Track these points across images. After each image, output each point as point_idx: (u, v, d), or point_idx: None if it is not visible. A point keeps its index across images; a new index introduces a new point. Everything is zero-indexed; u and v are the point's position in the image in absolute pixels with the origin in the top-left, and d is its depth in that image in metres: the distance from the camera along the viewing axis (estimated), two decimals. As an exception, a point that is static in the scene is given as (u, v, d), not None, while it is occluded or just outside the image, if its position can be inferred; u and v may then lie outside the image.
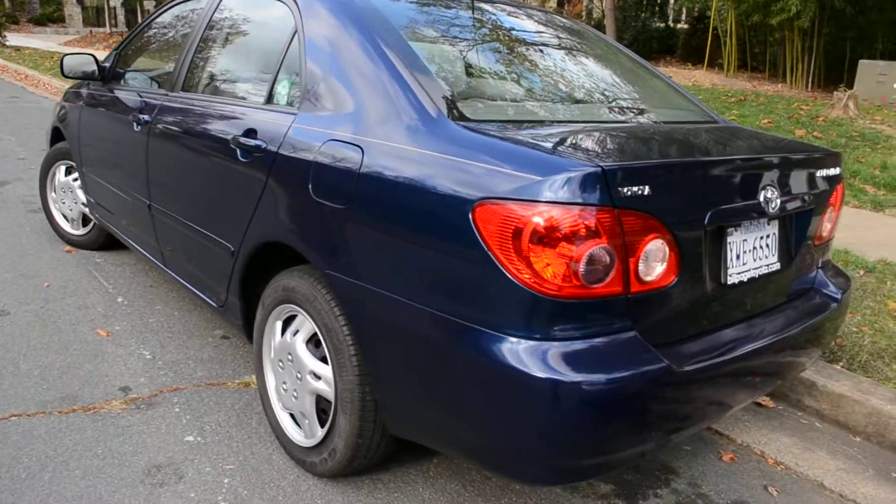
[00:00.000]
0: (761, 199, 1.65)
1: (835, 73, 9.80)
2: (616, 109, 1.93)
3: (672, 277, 1.44)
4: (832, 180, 1.95)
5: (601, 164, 1.26)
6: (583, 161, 1.28)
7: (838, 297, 1.98)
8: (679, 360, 1.42)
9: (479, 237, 1.28)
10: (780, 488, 1.94)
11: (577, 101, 1.88)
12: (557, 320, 1.28)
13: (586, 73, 2.03)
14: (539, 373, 1.24)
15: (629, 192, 1.30)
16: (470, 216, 1.29)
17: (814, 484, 1.98)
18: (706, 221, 1.50)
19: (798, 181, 1.82)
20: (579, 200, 1.25)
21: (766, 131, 2.74)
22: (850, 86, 8.92)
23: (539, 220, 1.23)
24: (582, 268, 1.28)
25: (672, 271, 1.44)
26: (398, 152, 1.47)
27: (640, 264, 1.35)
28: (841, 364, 2.55)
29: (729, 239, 1.63)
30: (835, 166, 1.96)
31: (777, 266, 1.81)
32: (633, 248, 1.33)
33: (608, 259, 1.30)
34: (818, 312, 1.88)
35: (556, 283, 1.26)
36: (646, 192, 1.33)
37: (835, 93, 8.31)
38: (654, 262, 1.39)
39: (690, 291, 1.50)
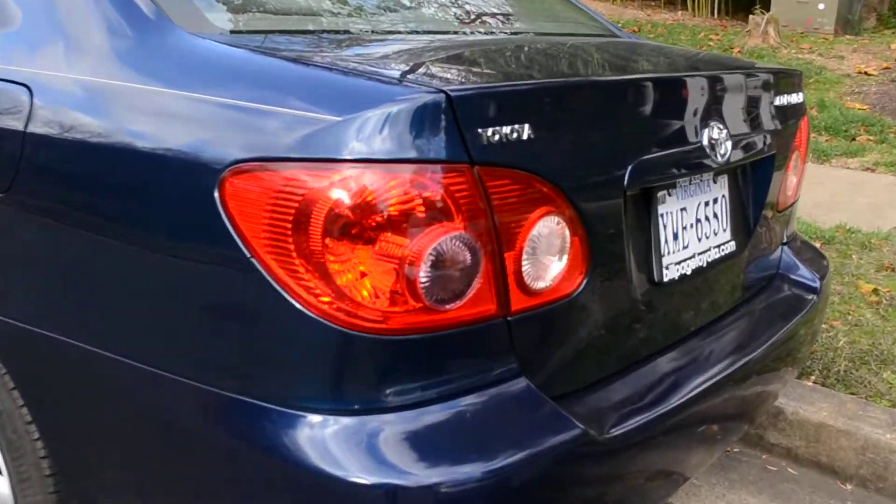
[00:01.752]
0: (704, 141, 1.61)
1: (743, -1, 10.37)
2: (474, 21, 1.95)
3: (578, 280, 1.35)
4: (794, 111, 1.99)
5: (445, 88, 1.14)
6: (414, 86, 1.16)
7: (815, 285, 2.02)
8: (600, 420, 1.33)
9: (231, 231, 1.14)
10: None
11: (411, 8, 1.88)
12: (388, 375, 1.15)
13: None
14: (363, 476, 1.10)
15: (497, 138, 1.18)
16: (215, 195, 1.15)
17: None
18: (625, 182, 1.41)
19: (751, 113, 1.82)
20: (411, 155, 1.12)
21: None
22: (766, 8, 9.36)
23: (341, 196, 1.11)
24: (423, 276, 1.14)
25: (577, 269, 1.35)
26: (87, 89, 1.32)
27: (523, 262, 1.24)
28: (813, 378, 2.55)
29: (661, 208, 1.57)
30: (795, 91, 2.00)
31: (731, 246, 1.80)
32: (510, 235, 1.23)
33: (468, 256, 1.18)
34: (792, 313, 1.89)
35: (380, 307, 1.14)
36: (525, 137, 1.21)
37: (750, 17, 8.82)
38: (548, 255, 1.30)
39: (608, 300, 1.43)
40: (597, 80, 1.48)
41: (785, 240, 2.10)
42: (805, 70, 7.21)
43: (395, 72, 1.30)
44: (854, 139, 5.81)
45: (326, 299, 1.14)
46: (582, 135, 1.36)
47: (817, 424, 2.35)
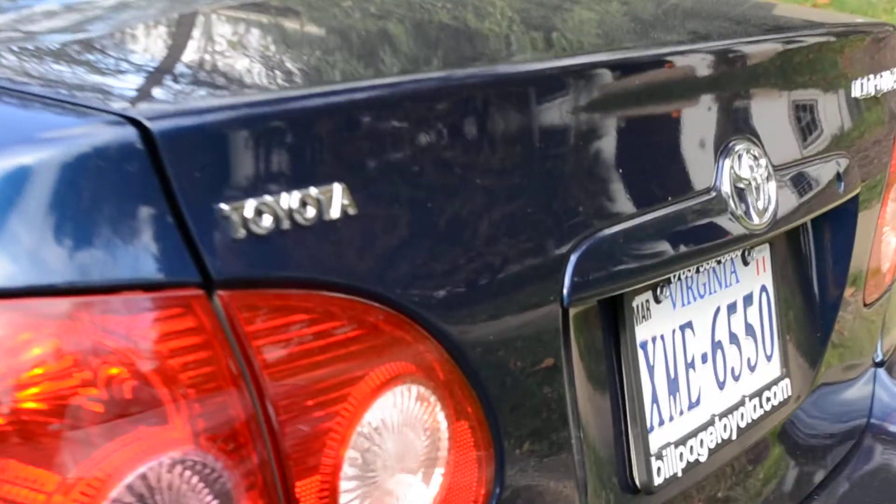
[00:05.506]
0: (723, 183, 1.56)
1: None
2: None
3: None
4: (892, 107, 1.97)
5: (140, 111, 1.07)
6: (73, 108, 1.12)
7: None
8: None
9: None
10: None
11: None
12: None
13: None
14: None
15: (269, 221, 1.08)
16: None
17: None
18: (564, 287, 1.31)
19: (809, 119, 1.79)
20: (62, 278, 1.00)
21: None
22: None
23: None
24: None
25: (470, 489, 1.27)
26: None
27: (342, 496, 1.13)
28: None
29: (641, 331, 1.49)
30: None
31: (784, 387, 1.72)
32: (307, 444, 1.13)
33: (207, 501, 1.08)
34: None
35: None
36: (334, 214, 1.12)
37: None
38: (398, 473, 1.22)
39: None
40: (498, 74, 1.42)
41: (881, 357, 1.99)
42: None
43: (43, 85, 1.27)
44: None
45: None
46: (464, 196, 1.27)
47: None
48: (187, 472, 1.01)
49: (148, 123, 0.98)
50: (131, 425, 0.99)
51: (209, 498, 1.03)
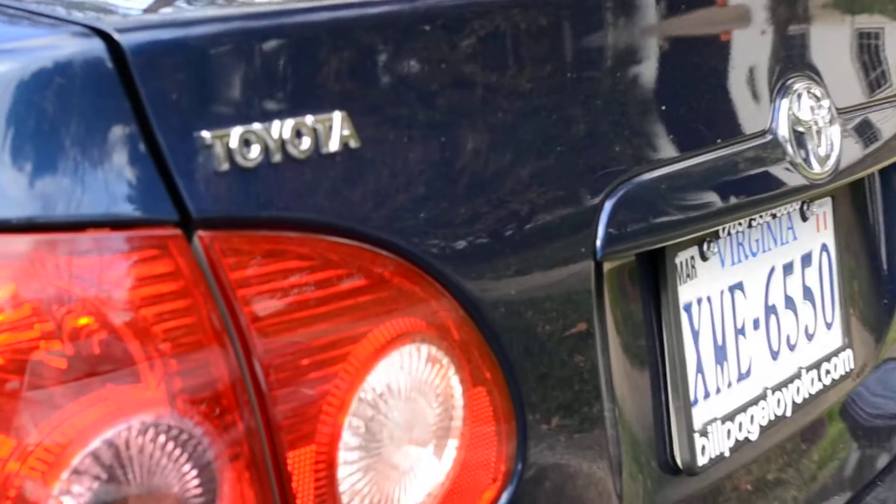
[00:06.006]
0: (780, 125, 1.52)
1: None
2: None
3: (491, 492, 1.25)
4: None
5: (105, 22, 1.03)
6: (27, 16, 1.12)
7: None
8: None
9: None
10: None
11: None
12: None
13: None
14: None
15: (256, 152, 1.06)
16: None
17: None
18: (597, 237, 1.29)
19: (878, 52, 1.78)
20: (23, 212, 1.00)
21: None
22: None
23: None
24: None
25: (489, 467, 1.25)
26: None
27: (341, 469, 1.13)
28: None
29: (684, 291, 1.46)
30: None
31: (847, 357, 1.71)
32: (301, 410, 1.12)
33: (185, 470, 1.04)
34: None
35: None
36: (334, 146, 1.09)
37: None
38: (405, 445, 1.21)
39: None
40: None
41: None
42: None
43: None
44: None
45: None
46: (484, 131, 1.23)
47: None
48: (161, 438, 0.98)
49: (117, 36, 0.94)
50: (98, 384, 0.95)
51: (187, 468, 0.99)
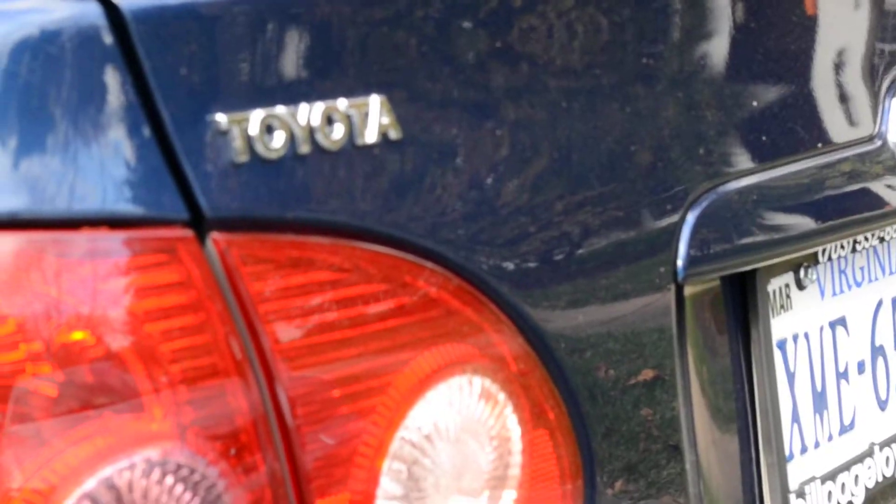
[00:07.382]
0: (892, 124, 1.52)
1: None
2: None
3: None
4: None
5: None
6: None
7: None
8: None
9: None
10: None
11: None
12: None
13: None
14: None
15: (281, 141, 1.05)
16: None
17: None
18: (678, 257, 1.28)
19: None
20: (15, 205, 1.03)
21: None
22: None
23: None
24: None
25: None
26: None
27: None
28: None
29: (777, 325, 1.45)
30: None
31: None
32: (334, 452, 1.13)
33: None
34: None
35: None
36: (372, 137, 1.08)
37: None
38: (450, 494, 1.22)
39: None
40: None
41: None
42: None
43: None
44: None
45: None
46: (550, 129, 1.21)
47: None
48: (169, 479, 0.94)
49: None
50: (94, 414, 0.93)
51: None
